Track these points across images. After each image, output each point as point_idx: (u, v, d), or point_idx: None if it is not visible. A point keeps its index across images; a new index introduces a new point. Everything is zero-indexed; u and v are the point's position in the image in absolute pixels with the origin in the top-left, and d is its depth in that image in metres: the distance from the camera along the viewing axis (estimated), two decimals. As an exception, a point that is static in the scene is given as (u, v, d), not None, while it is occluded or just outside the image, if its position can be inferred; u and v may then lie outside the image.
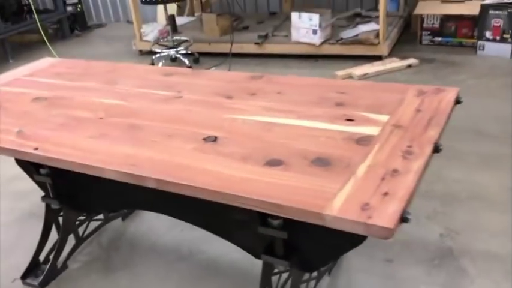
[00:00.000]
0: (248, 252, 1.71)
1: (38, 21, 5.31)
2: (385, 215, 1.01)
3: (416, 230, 2.11)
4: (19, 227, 2.41)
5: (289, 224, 1.50)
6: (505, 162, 2.54)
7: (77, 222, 2.16)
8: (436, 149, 1.28)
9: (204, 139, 1.42)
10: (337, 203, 1.07)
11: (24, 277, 2.03)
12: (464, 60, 3.98)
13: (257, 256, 1.65)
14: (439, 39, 4.31)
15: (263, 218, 1.53)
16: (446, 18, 4.21)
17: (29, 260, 2.06)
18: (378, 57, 4.08)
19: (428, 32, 4.33)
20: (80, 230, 2.17)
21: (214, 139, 1.42)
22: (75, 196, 2.03)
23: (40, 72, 2.21)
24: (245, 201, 1.15)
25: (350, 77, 3.82)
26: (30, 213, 2.49)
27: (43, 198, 2.06)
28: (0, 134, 1.60)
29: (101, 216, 2.29)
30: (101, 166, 1.34)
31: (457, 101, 1.54)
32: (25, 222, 2.44)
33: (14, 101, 1.89)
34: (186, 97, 1.75)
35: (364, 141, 1.31)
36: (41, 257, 2.09)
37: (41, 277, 2.00)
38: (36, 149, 1.47)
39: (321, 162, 1.24)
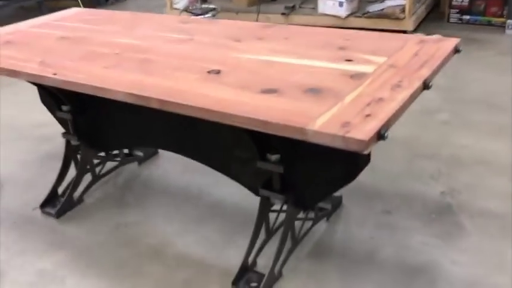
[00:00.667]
0: (248, 188, 1.81)
1: (74, -14, 5.48)
2: (363, 131, 1.08)
3: (418, 187, 2.16)
4: (41, 166, 2.57)
5: (285, 159, 1.59)
6: (516, 133, 2.54)
7: (95, 162, 2.29)
8: (426, 86, 1.33)
9: (208, 72, 1.51)
10: (320, 121, 1.14)
11: (43, 206, 2.18)
12: (491, 38, 3.94)
13: (256, 192, 1.74)
14: (468, 17, 4.26)
15: (262, 154, 1.62)
16: (476, -4, 4.16)
17: (48, 193, 2.21)
18: (403, 32, 4.06)
19: (457, 10, 4.28)
20: (97, 169, 2.31)
21: (218, 72, 1.50)
22: (93, 133, 2.17)
23: (68, 18, 2.34)
24: (237, 119, 1.23)
25: (373, 49, 3.83)
26: (53, 154, 2.63)
27: (63, 134, 2.20)
28: (26, 63, 1.72)
29: (117, 159, 2.42)
30: (111, 88, 1.44)
31: (456, 50, 1.57)
32: (47, 161, 2.59)
33: (40, 38, 2.01)
34: (197, 39, 1.84)
35: (357, 76, 1.38)
36: (60, 191, 2.23)
37: (58, 207, 2.15)
38: (55, 74, 1.59)
39: (313, 91, 1.31)
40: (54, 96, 2.10)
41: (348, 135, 1.07)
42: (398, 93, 1.25)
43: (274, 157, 1.60)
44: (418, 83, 1.30)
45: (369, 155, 1.59)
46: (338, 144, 1.09)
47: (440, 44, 1.58)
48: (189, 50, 1.74)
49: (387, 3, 4.23)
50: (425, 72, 1.36)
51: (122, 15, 2.36)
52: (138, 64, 1.63)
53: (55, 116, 2.21)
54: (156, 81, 1.47)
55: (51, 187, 2.21)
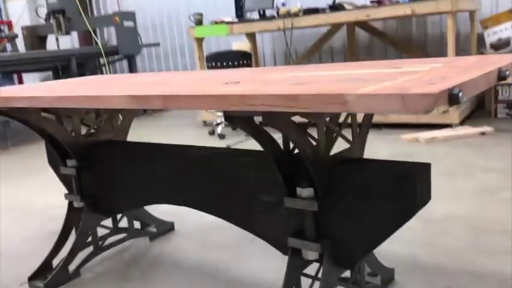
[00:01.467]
0: (274, 244, 1.44)
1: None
2: (427, 88, 0.76)
3: (490, 263, 1.72)
4: (43, 241, 2.26)
5: (320, 194, 1.25)
6: None
7: (99, 235, 1.98)
8: (502, 76, 1.02)
9: (226, 83, 1.26)
10: (367, 89, 0.84)
11: (31, 279, 1.84)
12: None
13: (284, 248, 1.37)
14: (517, 112, 3.99)
15: (291, 190, 1.30)
16: (523, 90, 3.93)
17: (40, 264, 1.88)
18: (449, 126, 3.80)
19: (504, 105, 4.03)
20: (100, 241, 1.98)
21: (237, 82, 1.25)
22: (98, 192, 1.89)
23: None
24: (258, 100, 0.94)
25: (416, 141, 3.55)
26: (57, 232, 2.34)
27: (66, 195, 1.93)
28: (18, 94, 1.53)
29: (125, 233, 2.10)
30: (108, 94, 1.20)
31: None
32: (50, 237, 2.27)
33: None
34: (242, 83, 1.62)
35: (411, 73, 1.09)
36: (54, 263, 1.90)
37: (48, 279, 1.80)
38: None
39: (354, 80, 1.02)
40: (60, 150, 1.87)
41: (408, 92, 0.76)
42: (469, 74, 0.94)
43: (306, 191, 1.26)
44: (491, 68, 1.00)
45: (429, 190, 1.24)
46: (394, 108, 0.77)
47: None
48: (211, 77, 1.51)
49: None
50: (499, 63, 1.07)
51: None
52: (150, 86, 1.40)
53: (59, 174, 1.97)
54: (159, 89, 1.22)
55: (46, 256, 1.88)
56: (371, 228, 1.24)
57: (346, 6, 4.20)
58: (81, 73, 5.85)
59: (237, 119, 1.09)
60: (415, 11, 3.75)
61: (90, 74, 6.16)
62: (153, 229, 2.19)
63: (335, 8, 4.19)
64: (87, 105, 1.25)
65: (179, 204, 1.68)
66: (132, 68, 6.09)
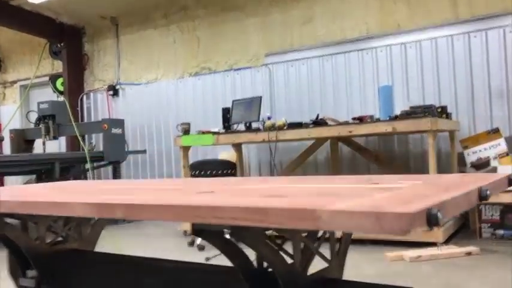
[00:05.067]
0: None
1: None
2: (403, 207, 0.71)
3: None
4: None
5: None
6: None
7: None
8: (483, 195, 0.98)
9: (199, 192, 1.20)
10: (340, 204, 0.78)
11: None
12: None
13: None
14: (502, 232, 3.93)
15: None
16: (506, 209, 3.91)
17: None
18: (433, 244, 3.72)
19: (488, 225, 3.99)
20: None
21: (211, 192, 1.20)
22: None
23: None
24: (222, 213, 0.88)
25: (401, 259, 3.44)
26: None
27: (22, 310, 1.77)
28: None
29: None
30: (70, 201, 1.13)
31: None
32: None
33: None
34: (217, 193, 1.57)
35: (389, 189, 1.05)
36: None
37: None
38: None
39: (330, 194, 0.98)
40: (22, 258, 1.75)
41: (383, 210, 0.70)
42: (448, 193, 0.90)
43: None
44: (472, 188, 0.96)
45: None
46: (369, 227, 0.71)
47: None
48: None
49: (412, 215, 3.99)
50: (479, 184, 1.03)
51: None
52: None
53: (18, 285, 1.82)
54: (126, 197, 1.16)
55: None
56: None
57: (329, 122, 4.32)
58: (65, 178, 5.79)
59: (205, 233, 1.02)
60: (395, 129, 3.85)
61: (74, 179, 6.11)
62: None
63: (318, 123, 4.30)
64: (50, 212, 1.17)
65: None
66: (116, 175, 6.05)
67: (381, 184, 1.16)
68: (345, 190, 1.04)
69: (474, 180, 1.12)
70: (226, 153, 5.51)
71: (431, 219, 0.71)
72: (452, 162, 4.59)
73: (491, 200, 3.72)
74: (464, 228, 4.36)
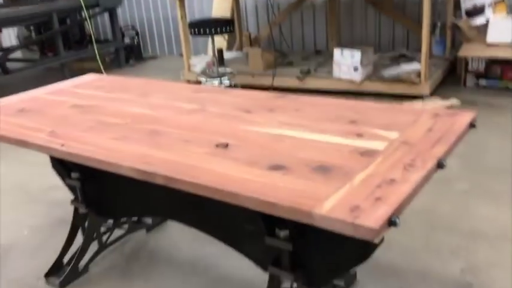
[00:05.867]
0: (257, 264, 1.73)
1: (96, 50, 5.67)
2: (373, 217, 1.02)
3: (436, 263, 2.06)
4: (50, 231, 2.53)
5: (295, 236, 1.52)
6: (540, 204, 2.44)
7: (102, 230, 2.25)
8: (440, 165, 1.28)
9: (216, 145, 1.48)
10: (328, 204, 1.09)
11: (47, 275, 2.13)
12: (509, 104, 3.89)
13: (265, 269, 1.67)
14: (484, 82, 4.24)
15: (271, 229, 1.56)
16: (491, 62, 4.16)
17: (53, 262, 2.16)
18: (419, 97, 4.06)
19: (473, 75, 4.27)
20: (104, 237, 2.26)
21: (226, 145, 1.47)
22: (101, 202, 2.13)
23: (83, 84, 2.37)
24: (243, 200, 1.18)
25: (388, 114, 3.81)
26: (63, 220, 2.59)
27: (72, 201, 2.17)
28: (35, 133, 1.72)
29: (125, 226, 2.38)
30: (116, 162, 1.42)
31: (472, 125, 1.52)
32: (56, 227, 2.56)
33: (53, 106, 2.03)
34: (208, 110, 1.83)
35: (368, 154, 1.33)
36: (67, 258, 2.18)
37: (63, 277, 2.09)
38: (63, 145, 1.58)
39: (322, 169, 1.27)
40: (63, 163, 2.09)
41: (357, 222, 1.01)
42: (411, 174, 1.19)
43: (283, 233, 1.53)
44: (432, 163, 1.25)
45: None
46: (347, 231, 1.03)
47: (455, 119, 1.54)
48: (200, 121, 1.72)
49: (403, 68, 4.25)
50: (439, 150, 1.31)
51: (136, 82, 2.38)
52: (147, 136, 1.61)
53: (64, 183, 2.20)
54: (163, 155, 1.45)
55: (57, 256, 2.16)
56: (336, 264, 1.54)
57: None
58: (64, 29, 5.84)
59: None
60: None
61: (72, 30, 6.15)
62: (148, 221, 2.47)
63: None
64: (101, 167, 1.47)
65: (175, 221, 1.95)
66: (114, 22, 6.08)
67: (364, 138, 1.43)
68: (332, 158, 1.32)
69: (445, 130, 1.39)
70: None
71: (391, 224, 1.02)
72: (448, 9, 4.66)
73: (476, 54, 3.94)
74: (451, 76, 4.64)
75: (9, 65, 5.44)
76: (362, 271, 1.98)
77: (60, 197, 2.80)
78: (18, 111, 2.00)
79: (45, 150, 1.65)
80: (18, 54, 6.67)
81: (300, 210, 1.09)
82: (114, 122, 1.77)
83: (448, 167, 2.79)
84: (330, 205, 1.08)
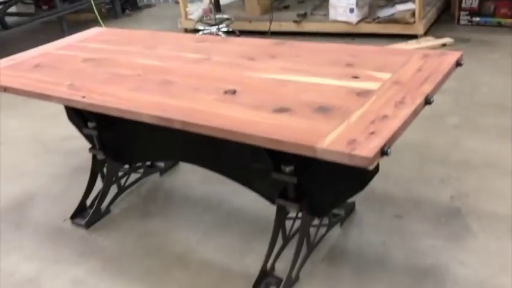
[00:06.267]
0: (265, 197, 1.92)
1: (92, 1, 5.66)
2: (367, 148, 1.18)
3: (428, 192, 2.25)
4: (69, 179, 2.72)
5: (299, 170, 1.70)
6: (525, 135, 2.61)
7: (120, 174, 2.43)
8: (428, 101, 1.43)
9: (225, 92, 1.62)
10: (328, 139, 1.25)
11: (73, 218, 2.32)
12: (501, 40, 3.99)
13: (273, 201, 1.86)
14: (477, 19, 4.31)
15: (277, 166, 1.73)
16: (485, -2, 4.22)
17: (77, 205, 2.35)
18: (414, 36, 4.14)
19: (467, 12, 4.34)
20: (122, 181, 2.45)
21: (234, 92, 1.62)
22: (118, 148, 2.30)
23: (90, 39, 2.48)
24: (253, 139, 1.34)
25: (384, 54, 3.92)
26: (80, 168, 2.78)
27: (90, 149, 2.34)
28: (55, 86, 1.86)
29: (140, 171, 2.56)
30: (136, 110, 1.57)
31: (458, 64, 1.66)
32: (75, 175, 2.74)
33: (67, 61, 2.16)
34: (213, 59, 1.96)
35: (363, 94, 1.48)
36: (88, 203, 2.37)
37: (87, 218, 2.29)
38: (84, 97, 1.72)
39: (322, 110, 1.42)
40: (80, 114, 2.24)
41: (354, 152, 1.17)
42: (401, 110, 1.35)
43: (288, 169, 1.71)
44: (420, 99, 1.40)
45: (377, 165, 1.69)
46: (345, 161, 1.20)
47: (443, 59, 1.67)
48: (206, 70, 1.86)
49: (398, 8, 4.31)
50: (427, 88, 1.46)
51: (141, 34, 2.49)
52: (159, 86, 1.75)
53: (81, 133, 2.35)
54: (176, 102, 1.59)
55: (80, 200, 2.35)
56: (336, 194, 1.73)
57: None
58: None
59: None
60: None
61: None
62: (161, 165, 2.65)
63: None
64: (121, 115, 1.62)
65: (189, 163, 2.13)
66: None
67: (360, 80, 1.58)
68: (330, 98, 1.47)
69: (427, 77, 1.54)
70: None
71: (383, 153, 1.19)
72: None
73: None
74: (445, 14, 4.71)
75: (6, 19, 5.45)
76: (360, 201, 2.18)
77: (75, 146, 2.98)
78: (33, 67, 2.13)
79: (67, 102, 1.79)
80: (12, 8, 6.65)
81: (304, 145, 1.25)
82: (127, 74, 1.90)
83: (441, 103, 2.96)
84: (330, 140, 1.24)
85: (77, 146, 2.96)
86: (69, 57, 2.21)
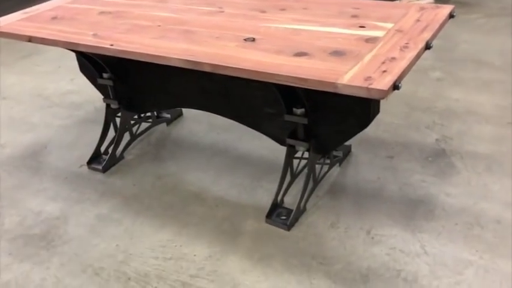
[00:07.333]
0: (275, 140, 2.13)
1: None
2: (382, 83, 1.39)
3: (416, 136, 2.50)
4: (78, 129, 2.85)
5: (309, 112, 1.91)
6: (502, 86, 2.88)
7: (132, 122, 2.59)
8: (428, 46, 1.64)
9: (245, 39, 1.80)
10: (347, 77, 1.45)
11: (89, 163, 2.48)
12: (479, 1, 4.23)
13: (282, 143, 2.06)
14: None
15: (289, 109, 1.93)
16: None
17: (90, 153, 2.50)
18: (396, -3, 4.33)
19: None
20: (134, 129, 2.61)
21: (253, 39, 1.79)
22: (131, 97, 2.46)
23: (99, -7, 2.58)
24: (279, 78, 1.53)
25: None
26: (86, 119, 2.92)
27: (104, 99, 2.48)
28: (80, 36, 1.99)
29: (149, 121, 2.72)
30: (166, 55, 1.73)
31: (451, 15, 1.87)
32: (82, 125, 2.88)
33: (83, 14, 2.27)
34: (226, 11, 2.11)
35: (371, 40, 1.68)
36: (102, 150, 2.53)
37: (104, 163, 2.45)
38: (112, 45, 1.86)
39: (337, 53, 1.61)
40: (95, 65, 2.37)
41: (371, 86, 1.38)
42: (406, 53, 1.55)
43: (299, 111, 1.92)
44: (421, 44, 1.61)
45: (378, 107, 1.91)
46: (363, 94, 1.40)
47: (438, 11, 1.88)
48: (223, 20, 2.02)
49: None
50: (427, 35, 1.67)
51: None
52: (182, 34, 1.90)
53: (95, 84, 2.49)
54: (201, 49, 1.75)
55: (95, 146, 2.51)
56: (341, 133, 1.94)
57: None
58: None
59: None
60: None
61: None
62: (167, 115, 2.81)
63: None
64: (151, 60, 1.78)
65: (201, 110, 2.30)
66: None
67: (367, 29, 1.77)
68: (343, 44, 1.67)
69: (425, 26, 1.74)
70: None
71: (395, 88, 1.40)
72: None
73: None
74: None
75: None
76: (355, 145, 2.41)
77: (78, 100, 3.11)
78: (51, 19, 2.23)
79: (95, 49, 1.92)
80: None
81: (327, 82, 1.44)
82: (148, 25, 2.04)
83: (424, 59, 3.20)
84: (349, 77, 1.44)
85: (79, 100, 3.09)
86: (84, 10, 2.32)
